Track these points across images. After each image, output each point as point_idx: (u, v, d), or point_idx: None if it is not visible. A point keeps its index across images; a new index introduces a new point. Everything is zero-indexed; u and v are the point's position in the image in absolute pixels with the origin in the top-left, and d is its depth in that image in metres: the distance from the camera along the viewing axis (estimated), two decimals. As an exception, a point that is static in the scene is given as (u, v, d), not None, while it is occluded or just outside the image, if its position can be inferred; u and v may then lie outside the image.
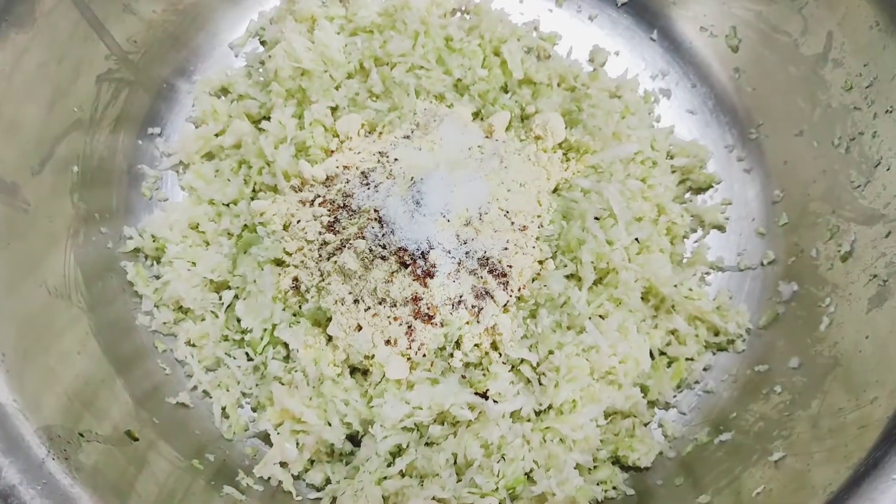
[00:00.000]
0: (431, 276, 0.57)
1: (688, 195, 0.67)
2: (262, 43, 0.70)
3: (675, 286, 0.61)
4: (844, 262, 0.57)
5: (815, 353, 0.56)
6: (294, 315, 0.61)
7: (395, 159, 0.62)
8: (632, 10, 0.70)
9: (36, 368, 0.50)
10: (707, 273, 0.65)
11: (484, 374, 0.57)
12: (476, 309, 0.58)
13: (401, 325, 0.58)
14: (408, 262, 0.57)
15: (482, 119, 0.67)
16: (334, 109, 0.66)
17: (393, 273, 0.57)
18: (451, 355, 0.58)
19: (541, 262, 0.61)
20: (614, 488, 0.57)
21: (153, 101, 0.66)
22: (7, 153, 0.53)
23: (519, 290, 0.59)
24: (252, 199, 0.64)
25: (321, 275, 0.59)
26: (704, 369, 0.62)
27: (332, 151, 0.65)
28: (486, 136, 0.65)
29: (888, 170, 0.55)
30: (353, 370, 0.59)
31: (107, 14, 0.61)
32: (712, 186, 0.67)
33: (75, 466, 0.47)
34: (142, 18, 0.63)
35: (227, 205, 0.65)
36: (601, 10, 0.70)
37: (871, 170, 0.57)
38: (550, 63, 0.68)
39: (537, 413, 0.58)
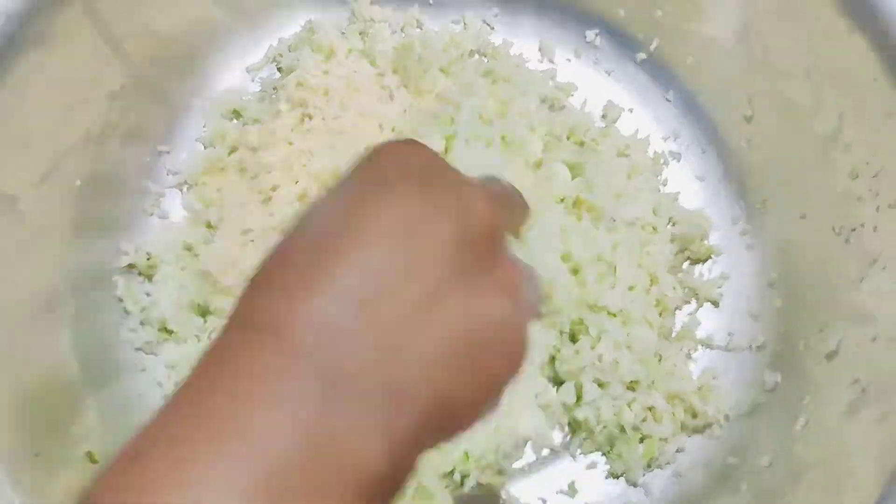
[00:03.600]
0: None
1: (686, 264, 0.65)
2: (279, 69, 0.72)
3: (659, 361, 0.60)
4: (829, 360, 0.54)
5: (787, 454, 0.53)
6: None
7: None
8: (650, 67, 0.68)
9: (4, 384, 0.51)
10: (694, 349, 0.62)
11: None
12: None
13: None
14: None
15: (488, 166, 0.66)
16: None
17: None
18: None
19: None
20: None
21: (166, 119, 0.67)
22: (10, 164, 0.55)
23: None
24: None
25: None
26: (677, 451, 0.59)
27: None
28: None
29: (884, 269, 0.52)
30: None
31: (125, 32, 0.62)
32: (711, 258, 0.64)
33: (22, 489, 0.47)
34: (160, 37, 0.65)
35: (224, 230, 0.65)
36: (619, 64, 0.68)
37: (868, 266, 0.53)
38: (563, 114, 0.67)
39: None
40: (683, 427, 0.60)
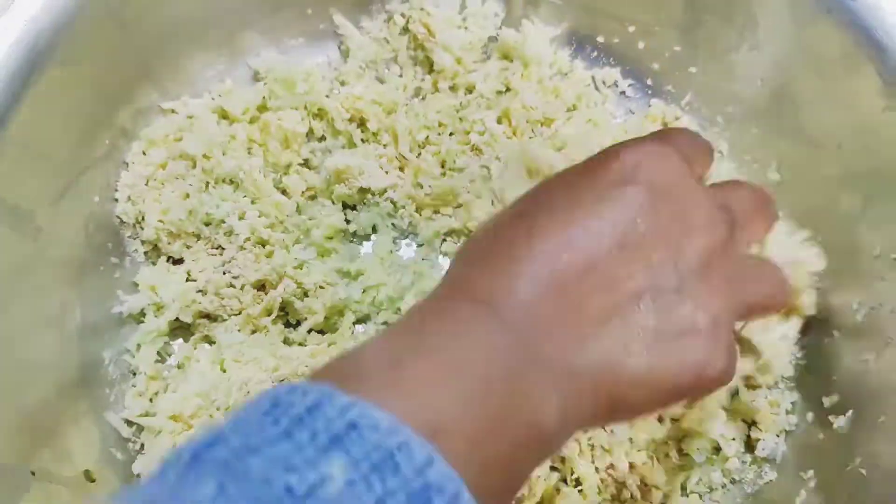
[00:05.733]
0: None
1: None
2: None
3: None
4: (836, 437, 0.54)
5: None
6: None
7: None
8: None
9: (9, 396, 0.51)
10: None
11: None
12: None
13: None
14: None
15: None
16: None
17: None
18: None
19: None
20: None
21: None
22: (29, 181, 0.55)
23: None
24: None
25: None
26: None
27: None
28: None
29: (897, 352, 0.52)
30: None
31: (155, 55, 0.62)
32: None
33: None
34: (191, 58, 0.65)
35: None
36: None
37: (883, 347, 0.53)
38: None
39: None
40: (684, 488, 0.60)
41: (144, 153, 0.64)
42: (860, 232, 0.56)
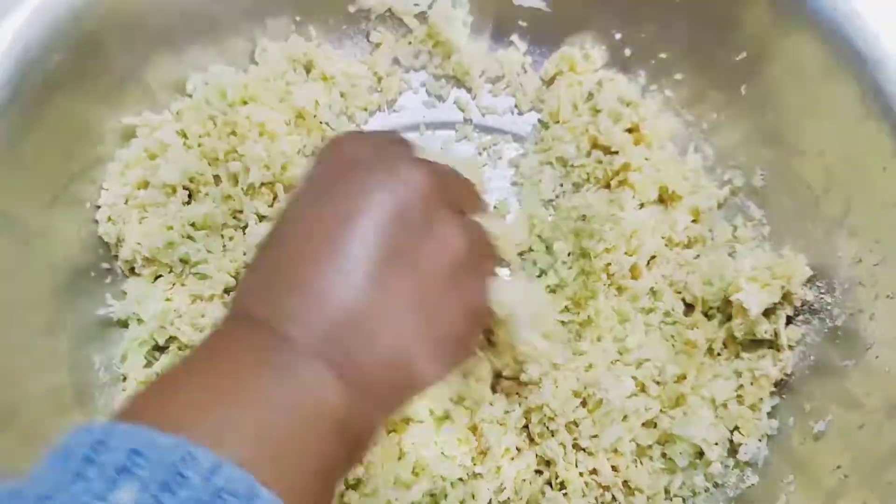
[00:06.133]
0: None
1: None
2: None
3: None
4: (816, 441, 0.55)
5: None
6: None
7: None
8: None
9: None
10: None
11: None
12: None
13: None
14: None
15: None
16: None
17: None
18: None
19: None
20: None
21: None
22: (19, 188, 0.55)
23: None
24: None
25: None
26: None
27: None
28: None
29: (877, 358, 0.53)
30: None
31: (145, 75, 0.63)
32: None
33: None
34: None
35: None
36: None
37: (862, 352, 0.54)
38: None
39: None
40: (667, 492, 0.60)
41: (122, 174, 0.63)
42: (840, 238, 0.56)
